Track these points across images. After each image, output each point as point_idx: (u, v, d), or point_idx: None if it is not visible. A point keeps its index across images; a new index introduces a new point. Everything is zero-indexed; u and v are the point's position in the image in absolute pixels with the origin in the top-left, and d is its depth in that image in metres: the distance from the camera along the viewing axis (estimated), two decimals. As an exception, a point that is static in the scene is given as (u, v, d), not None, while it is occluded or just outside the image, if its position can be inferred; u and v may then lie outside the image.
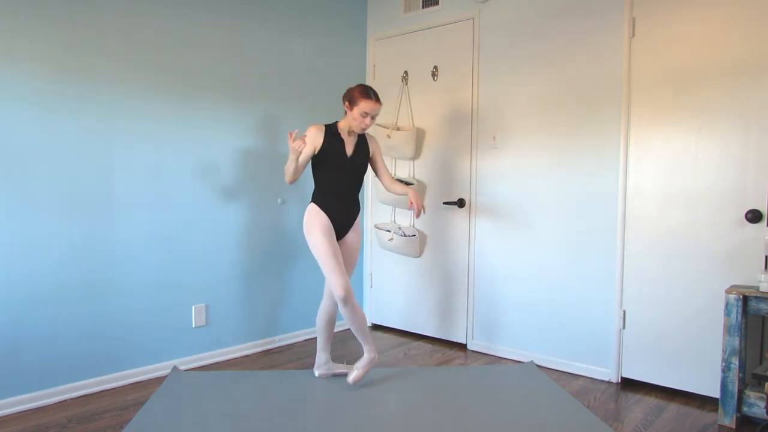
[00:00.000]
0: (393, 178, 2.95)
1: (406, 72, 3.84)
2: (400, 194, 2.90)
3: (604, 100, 2.97)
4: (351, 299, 2.59)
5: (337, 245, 2.69)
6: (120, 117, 2.82)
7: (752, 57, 2.52)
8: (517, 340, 3.35)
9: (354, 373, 2.71)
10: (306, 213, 2.71)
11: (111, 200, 2.80)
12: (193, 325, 3.16)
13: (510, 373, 3.04)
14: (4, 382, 2.49)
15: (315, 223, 2.66)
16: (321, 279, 3.86)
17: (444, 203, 3.66)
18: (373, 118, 2.68)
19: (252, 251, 3.43)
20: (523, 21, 3.27)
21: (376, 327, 4.11)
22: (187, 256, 3.11)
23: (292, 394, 2.68)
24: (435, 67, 3.70)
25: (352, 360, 3.15)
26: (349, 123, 2.72)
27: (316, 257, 2.64)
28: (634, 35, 2.86)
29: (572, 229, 3.10)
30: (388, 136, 3.69)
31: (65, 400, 2.65)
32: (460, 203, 3.58)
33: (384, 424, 2.37)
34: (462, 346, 3.62)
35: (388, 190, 2.92)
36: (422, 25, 3.76)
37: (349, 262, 2.83)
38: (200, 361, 3.19)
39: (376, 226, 3.92)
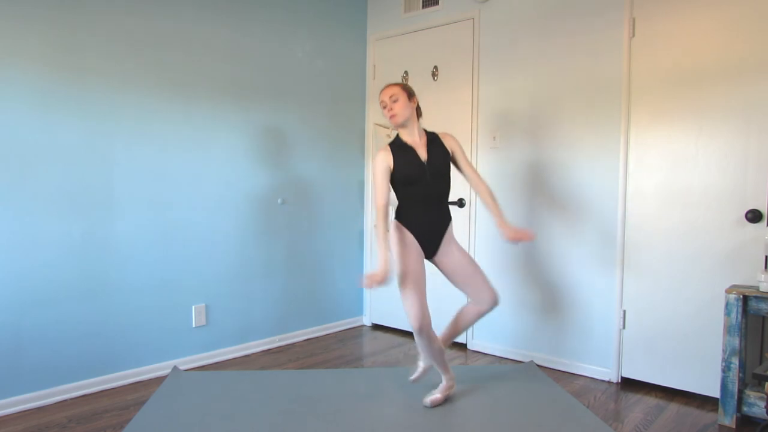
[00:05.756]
0: (480, 178, 2.59)
1: (406, 72, 3.84)
2: (489, 206, 2.54)
3: (604, 100, 2.97)
4: (426, 330, 2.36)
5: (421, 266, 2.43)
6: (120, 117, 2.82)
7: (752, 57, 2.52)
8: (517, 340, 3.35)
9: (433, 396, 2.56)
10: (390, 231, 2.49)
11: (111, 200, 2.80)
12: (193, 325, 3.16)
13: (510, 373, 3.04)
14: (4, 382, 2.49)
15: (396, 241, 2.45)
16: (321, 279, 3.86)
17: (444, 203, 3.66)
18: (394, 101, 2.44)
19: (252, 251, 3.42)
20: (523, 21, 3.27)
21: (376, 327, 4.11)
22: (187, 256, 3.11)
23: (292, 394, 2.68)
24: (435, 67, 3.70)
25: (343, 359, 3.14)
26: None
27: (396, 278, 2.42)
28: (634, 35, 2.86)
29: (572, 228, 3.10)
30: (388, 136, 3.69)
31: (65, 400, 2.65)
32: (460, 203, 3.58)
33: (384, 424, 2.37)
34: (462, 346, 3.62)
35: (476, 190, 2.59)
36: (422, 25, 3.76)
37: (468, 272, 2.50)
38: (200, 361, 3.19)
39: (376, 227, 3.91)
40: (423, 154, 2.48)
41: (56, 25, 2.58)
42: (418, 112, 2.58)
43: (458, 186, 3.59)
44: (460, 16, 3.56)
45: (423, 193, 2.47)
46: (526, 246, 3.29)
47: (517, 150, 3.32)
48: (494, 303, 2.54)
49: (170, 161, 3.02)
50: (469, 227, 3.54)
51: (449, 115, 3.63)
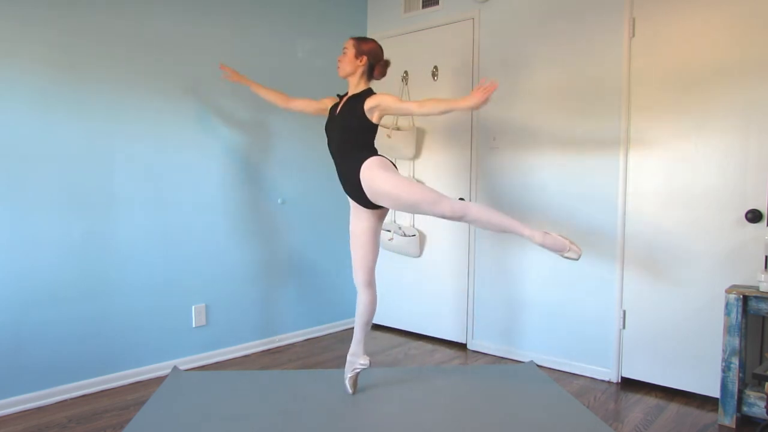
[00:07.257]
0: (424, 100, 2.38)
1: (406, 72, 3.84)
2: (447, 108, 2.32)
3: (604, 100, 2.97)
4: (359, 289, 2.61)
5: (354, 223, 2.60)
6: (120, 116, 2.82)
7: (752, 57, 2.52)
8: (517, 340, 3.35)
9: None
10: None
11: (111, 200, 2.80)
12: (193, 325, 3.16)
13: (510, 373, 3.04)
14: (4, 382, 2.49)
15: None
16: (321, 278, 3.87)
17: (444, 203, 3.66)
18: (344, 53, 2.52)
19: (252, 251, 3.42)
20: (523, 21, 3.27)
21: (376, 327, 4.10)
22: (187, 256, 3.11)
23: (292, 394, 2.68)
24: (435, 67, 3.69)
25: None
26: None
27: None
28: (634, 35, 2.86)
29: (572, 228, 3.10)
30: (388, 136, 3.69)
31: (65, 400, 2.65)
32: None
33: (384, 424, 2.37)
34: (462, 346, 3.62)
35: (428, 116, 2.51)
36: (422, 25, 3.76)
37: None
38: (200, 361, 3.19)
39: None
40: (337, 109, 2.57)
41: (56, 26, 2.58)
42: (373, 73, 2.55)
43: (458, 186, 3.59)
44: (460, 16, 3.56)
45: (330, 145, 2.60)
46: (525, 245, 3.28)
47: (516, 150, 3.32)
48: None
49: (170, 161, 3.02)
50: (469, 227, 3.54)
51: (448, 115, 3.62)
